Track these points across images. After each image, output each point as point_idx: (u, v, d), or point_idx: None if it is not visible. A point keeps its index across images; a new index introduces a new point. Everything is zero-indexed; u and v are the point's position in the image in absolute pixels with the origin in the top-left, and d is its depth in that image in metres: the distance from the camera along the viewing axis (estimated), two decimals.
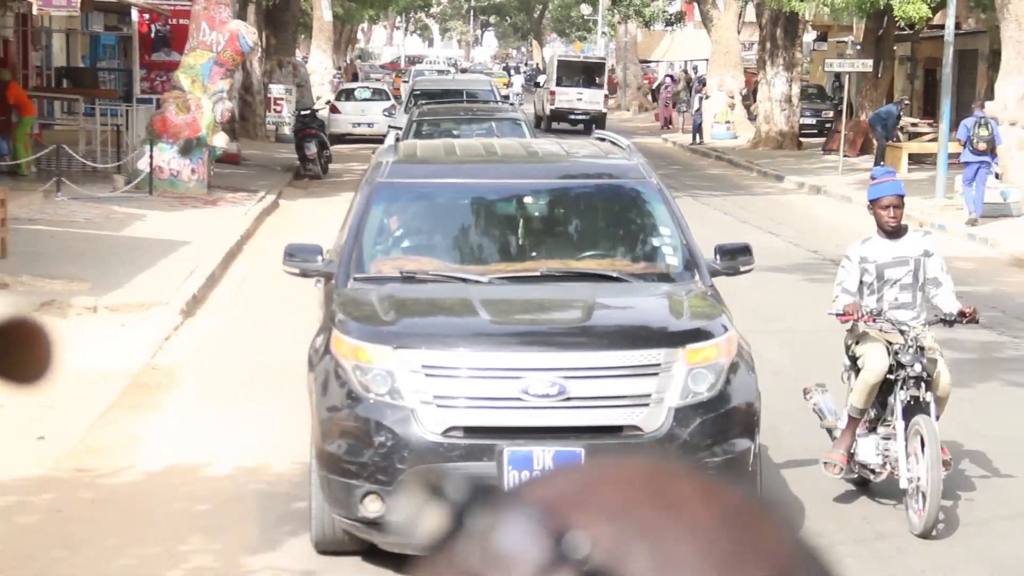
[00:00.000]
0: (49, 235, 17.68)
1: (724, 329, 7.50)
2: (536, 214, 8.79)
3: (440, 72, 61.48)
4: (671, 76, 56.02)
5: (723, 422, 7.27)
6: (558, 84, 47.05)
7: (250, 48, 24.13)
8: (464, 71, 71.87)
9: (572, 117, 45.65)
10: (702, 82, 46.93)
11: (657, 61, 67.39)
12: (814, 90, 44.12)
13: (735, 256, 8.49)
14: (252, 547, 7.64)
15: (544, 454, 7.01)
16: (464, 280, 7.96)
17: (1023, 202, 22.87)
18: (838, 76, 41.70)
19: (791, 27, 38.33)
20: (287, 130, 37.63)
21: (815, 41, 52.32)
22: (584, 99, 46.13)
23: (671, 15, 48.74)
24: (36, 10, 19.12)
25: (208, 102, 23.33)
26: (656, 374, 7.22)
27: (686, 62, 67.04)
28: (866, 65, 31.25)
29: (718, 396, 7.28)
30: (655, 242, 8.64)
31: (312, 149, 28.93)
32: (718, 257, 8.49)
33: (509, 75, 79.95)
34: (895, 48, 37.28)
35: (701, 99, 42.09)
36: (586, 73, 48.07)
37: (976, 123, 21.54)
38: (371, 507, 6.97)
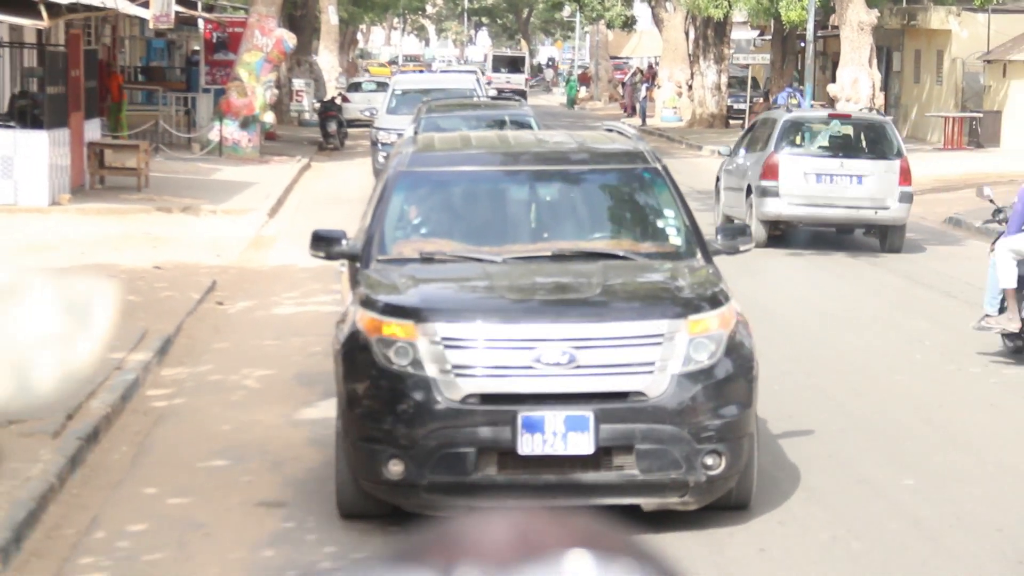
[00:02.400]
0: (164, 178, 26.12)
1: (723, 302, 7.92)
2: (547, 198, 9.11)
3: (423, 71, 66.22)
4: (629, 72, 64.60)
5: (722, 388, 7.66)
6: (493, 71, 67.32)
7: (291, 49, 32.69)
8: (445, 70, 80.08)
9: (504, 94, 58.46)
10: (644, 74, 55.45)
11: (626, 58, 75.90)
12: (741, 80, 52.68)
13: (735, 236, 8.95)
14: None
15: (555, 418, 7.42)
16: (480, 260, 8.39)
17: None
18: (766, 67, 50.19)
19: (719, 27, 46.80)
20: (307, 116, 46.27)
21: (756, 38, 60.74)
22: (511, 81, 65.10)
23: (627, 17, 57.23)
24: (152, 24, 27.47)
25: (260, 89, 31.89)
26: (660, 343, 7.61)
27: (653, 58, 75.55)
28: (764, 58, 39.83)
29: (718, 364, 7.67)
30: (659, 223, 9.01)
31: (333, 127, 37.46)
32: (719, 237, 8.93)
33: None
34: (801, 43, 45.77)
35: (646, 88, 50.66)
36: (512, 63, 70.20)
37: (788, 95, 30.20)
38: (394, 470, 7.42)
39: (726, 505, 7.93)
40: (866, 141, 20.06)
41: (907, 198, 19.38)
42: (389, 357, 7.54)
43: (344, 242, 8.63)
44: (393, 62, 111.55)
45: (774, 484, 8.52)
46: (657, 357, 7.57)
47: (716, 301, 7.89)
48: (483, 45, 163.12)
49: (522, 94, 57.61)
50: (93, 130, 24.43)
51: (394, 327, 7.59)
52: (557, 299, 8.02)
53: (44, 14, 19.44)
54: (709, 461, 7.55)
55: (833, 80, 33.38)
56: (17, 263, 15.49)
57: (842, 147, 20.02)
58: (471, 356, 7.51)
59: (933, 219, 23.40)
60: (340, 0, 66.51)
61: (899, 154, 19.66)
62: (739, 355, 7.79)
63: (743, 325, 8.00)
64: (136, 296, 14.23)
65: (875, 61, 32.31)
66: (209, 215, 21.96)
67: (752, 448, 7.84)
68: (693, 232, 8.72)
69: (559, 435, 7.40)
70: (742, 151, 21.28)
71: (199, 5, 36.16)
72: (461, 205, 9.02)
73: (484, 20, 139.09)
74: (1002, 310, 12.28)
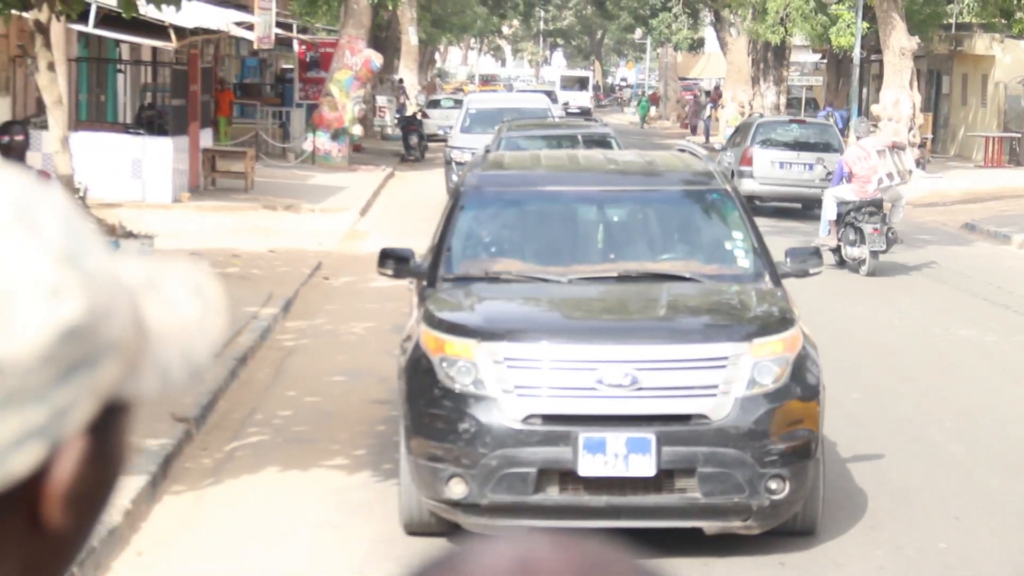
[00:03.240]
0: (265, 182, 29.25)
1: (790, 325, 7.83)
2: (615, 219, 9.06)
3: (497, 91, 65.63)
4: (695, 93, 67.36)
5: (787, 412, 7.55)
6: (562, 90, 72.88)
7: (378, 68, 35.84)
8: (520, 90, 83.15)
9: (568, 110, 63.47)
10: (709, 95, 58.17)
11: (695, 79, 78.64)
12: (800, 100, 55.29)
13: (805, 259, 8.82)
14: None
15: (617, 440, 7.34)
16: (545, 280, 8.38)
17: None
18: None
19: (778, 51, 49.47)
20: (390, 131, 49.47)
21: (818, 61, 63.31)
22: (576, 99, 71.35)
23: (694, 40, 60.04)
24: (256, 45, 30.66)
25: (350, 104, 35.05)
26: (724, 366, 7.52)
27: (720, 79, 78.22)
28: (817, 80, 42.48)
29: (782, 388, 7.57)
30: (727, 245, 8.92)
31: (414, 140, 40.56)
32: (788, 259, 8.79)
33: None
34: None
35: (710, 107, 53.43)
36: (579, 83, 77.79)
37: (825, 115, 32.91)
38: (456, 489, 7.39)
39: (792, 530, 7.88)
40: (817, 139, 26.13)
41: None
42: (452, 376, 7.55)
43: (411, 261, 8.76)
44: (470, 81, 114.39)
45: (839, 508, 8.52)
46: (721, 380, 7.51)
47: (782, 324, 7.84)
48: (558, 66, 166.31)
49: (587, 112, 61.36)
50: (206, 138, 27.65)
51: (457, 346, 7.61)
52: (620, 320, 8.10)
53: (173, 37, 22.58)
54: (773, 485, 7.49)
55: (877, 101, 36.05)
56: (157, 246, 18.59)
57: (799, 144, 26.61)
58: (533, 376, 7.48)
59: (953, 225, 26.03)
60: (420, 21, 69.87)
61: (839, 150, 24.71)
62: (805, 379, 7.71)
63: (810, 348, 7.91)
64: (259, 271, 17.29)
65: (915, 83, 34.96)
66: (308, 213, 25.02)
67: (818, 473, 7.75)
68: (761, 254, 8.67)
69: (620, 457, 7.38)
70: (729, 150, 28.25)
71: (294, 27, 39.43)
72: (528, 224, 9.01)
73: (559, 41, 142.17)
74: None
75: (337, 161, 35.03)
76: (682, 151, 10.46)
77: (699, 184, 9.25)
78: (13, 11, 14.92)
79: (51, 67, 14.72)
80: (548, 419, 7.47)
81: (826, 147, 26.58)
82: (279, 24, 35.72)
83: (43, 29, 14.39)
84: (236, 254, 18.65)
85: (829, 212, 19.35)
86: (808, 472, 7.63)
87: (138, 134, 24.13)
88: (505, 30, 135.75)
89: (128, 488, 8.28)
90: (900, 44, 34.55)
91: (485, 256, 8.83)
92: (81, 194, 16.27)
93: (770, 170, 26.24)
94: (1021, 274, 19.70)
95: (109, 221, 16.17)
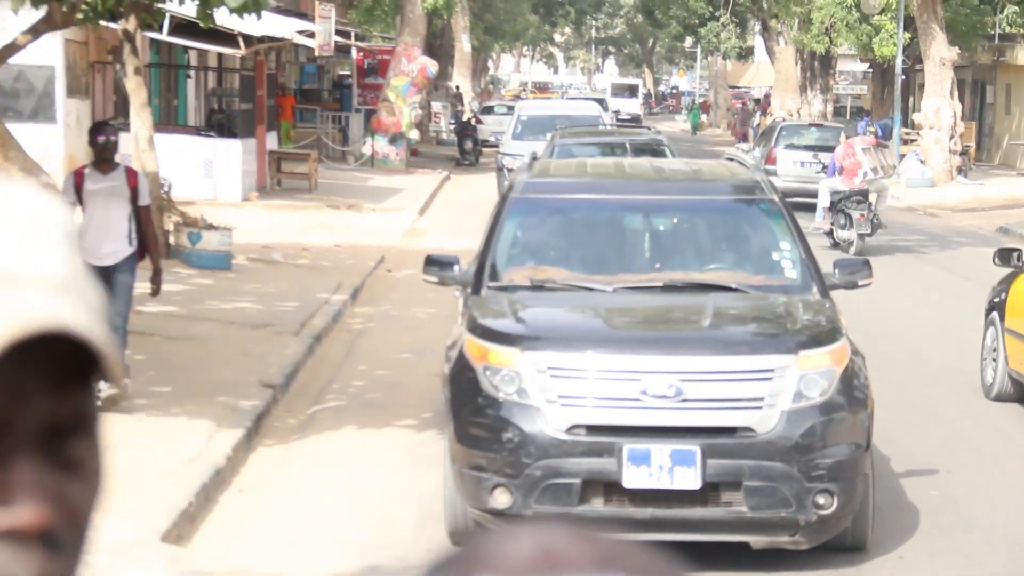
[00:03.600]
0: (327, 183, 30.56)
1: (837, 337, 7.74)
2: (661, 228, 9.02)
3: (549, 99, 65.20)
4: (744, 101, 68.35)
5: (834, 426, 7.45)
6: (612, 96, 72.59)
7: (433, 75, 37.12)
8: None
9: (619, 117, 65.45)
10: (758, 103, 59.19)
11: (745, 87, 79.57)
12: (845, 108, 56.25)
13: (854, 271, 8.73)
14: None
15: (661, 452, 7.28)
16: (590, 289, 8.33)
17: (935, 176, 35.01)
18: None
19: (825, 60, 50.45)
20: (445, 136, 50.79)
21: (866, 70, 64.22)
22: (626, 107, 71.55)
23: (742, 49, 61.08)
24: (317, 52, 32.03)
25: (407, 109, 36.35)
26: (770, 379, 7.43)
27: (769, 87, 79.14)
28: (861, 89, 43.42)
29: (829, 401, 7.47)
30: (775, 256, 8.82)
31: (469, 145, 41.82)
32: (836, 271, 8.72)
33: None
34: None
35: (758, 115, 54.44)
36: (629, 90, 78.99)
37: (866, 123, 33.94)
38: (500, 499, 7.38)
39: (842, 546, 7.75)
40: (833, 142, 27.42)
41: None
42: (495, 385, 7.52)
43: (456, 267, 8.79)
44: (523, 88, 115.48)
45: (894, 524, 8.41)
46: (766, 393, 7.43)
47: (829, 337, 7.76)
48: (610, 73, 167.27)
49: (636, 119, 62.83)
50: (272, 141, 28.99)
51: (500, 355, 7.58)
52: (665, 331, 8.09)
53: (242, 44, 23.90)
54: (820, 500, 7.39)
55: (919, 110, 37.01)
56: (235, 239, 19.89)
57: (816, 145, 29.47)
58: (577, 386, 7.44)
59: (989, 228, 27.00)
60: (474, 28, 71.18)
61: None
62: (852, 392, 7.62)
63: (858, 361, 7.84)
64: (327, 263, 18.57)
65: (955, 93, 35.91)
66: (370, 212, 26.30)
67: (867, 488, 7.63)
68: (809, 265, 8.59)
69: (665, 469, 7.31)
70: (756, 149, 31.44)
71: (352, 35, 40.76)
72: (573, 233, 8.94)
73: (611, 49, 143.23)
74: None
75: (395, 164, 36.32)
76: (730, 160, 10.47)
77: (746, 194, 9.19)
78: (101, 21, 16.23)
79: (138, 72, 16.04)
80: (592, 429, 7.41)
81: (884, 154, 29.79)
82: (338, 32, 37.06)
83: (130, 38, 15.72)
84: (305, 248, 19.92)
85: (823, 200, 22.49)
86: (857, 487, 7.50)
87: (209, 136, 25.48)
88: (557, 38, 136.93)
89: (228, 440, 9.54)
90: (940, 54, 35.54)
91: (530, 264, 8.76)
92: (166, 189, 17.59)
93: (791, 168, 29.23)
94: None
95: (191, 215, 17.47)
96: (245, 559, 7.68)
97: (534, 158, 10.12)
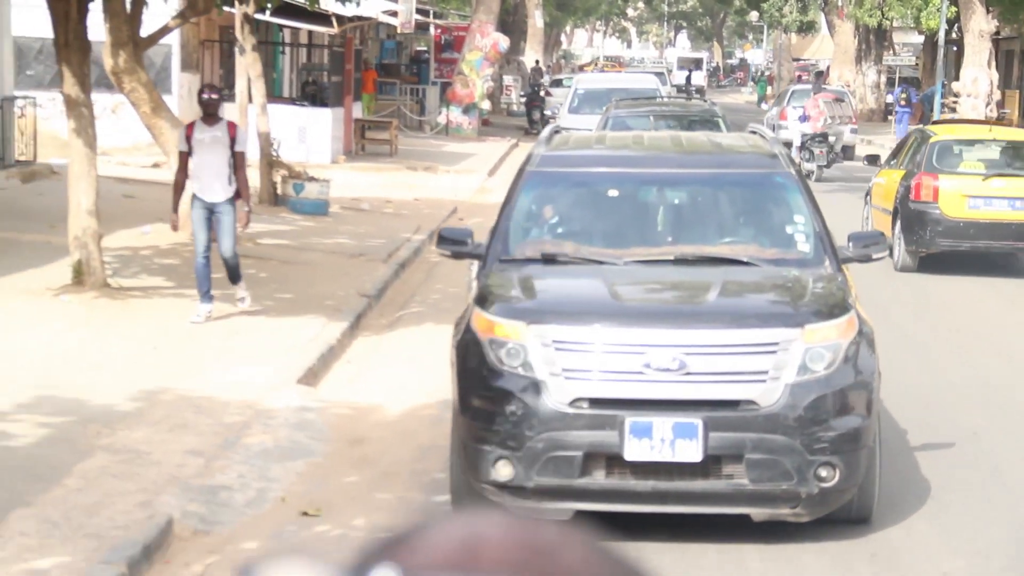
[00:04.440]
0: (406, 148, 33.63)
1: (845, 311, 7.70)
2: (675, 201, 8.95)
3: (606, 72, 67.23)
4: (801, 74, 70.62)
5: (839, 399, 7.43)
6: (678, 70, 78.61)
7: (505, 50, 40.07)
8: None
9: (683, 89, 70.66)
10: (820, 75, 61.57)
11: (808, 59, 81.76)
12: (905, 79, 58.48)
13: (867, 244, 8.67)
14: None
15: (664, 424, 7.29)
16: (600, 263, 8.32)
17: None
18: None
19: (880, 33, 52.79)
20: (515, 107, 53.76)
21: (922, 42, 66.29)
22: (693, 79, 75.14)
23: (803, 22, 63.47)
24: (399, 29, 35.09)
25: (480, 82, 39.35)
26: (774, 352, 7.41)
27: (831, 59, 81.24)
28: (910, 60, 45.84)
29: (835, 374, 7.44)
30: (788, 229, 8.76)
31: (537, 115, 44.79)
32: (850, 244, 8.66)
33: (690, 71, 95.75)
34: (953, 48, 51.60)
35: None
36: (694, 64, 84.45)
37: (902, 90, 36.51)
38: (502, 471, 7.41)
39: (846, 518, 7.74)
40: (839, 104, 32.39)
41: (853, 131, 35.66)
42: (501, 358, 7.52)
43: (469, 241, 8.70)
44: (597, 62, 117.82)
45: (901, 498, 8.34)
46: (770, 366, 7.41)
47: (837, 310, 7.73)
48: (682, 47, 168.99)
49: (700, 91, 65.97)
50: (357, 110, 32.10)
51: (506, 328, 7.56)
52: (670, 304, 8.08)
53: (335, 24, 26.99)
54: (823, 473, 7.38)
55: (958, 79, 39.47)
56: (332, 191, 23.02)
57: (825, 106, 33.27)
58: (581, 359, 7.42)
59: None
60: (545, 5, 73.90)
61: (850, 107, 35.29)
62: (858, 366, 7.58)
63: (867, 335, 7.78)
64: (407, 212, 21.65)
65: (993, 63, 38.36)
66: (444, 173, 29.34)
67: (873, 461, 7.63)
68: (823, 238, 8.55)
69: (667, 442, 7.32)
70: (772, 108, 38.45)
71: (431, 13, 43.84)
72: (587, 206, 8.93)
73: (683, 23, 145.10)
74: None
75: (468, 132, 39.34)
76: (753, 132, 10.43)
77: (762, 167, 9.15)
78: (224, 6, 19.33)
79: (254, 48, 19.13)
80: (595, 403, 7.41)
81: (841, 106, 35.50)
82: (418, 10, 40.09)
83: (249, 20, 18.80)
84: (388, 200, 22.99)
85: (796, 140, 29.88)
86: (861, 460, 7.48)
87: (302, 106, 28.61)
88: (631, 12, 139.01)
89: (337, 329, 12.58)
90: (979, 27, 37.94)
91: (542, 237, 8.75)
92: (276, 148, 20.71)
93: (796, 124, 33.72)
94: None
95: (296, 169, 20.58)
96: (353, 398, 10.73)
97: (555, 131, 10.04)
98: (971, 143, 18.67)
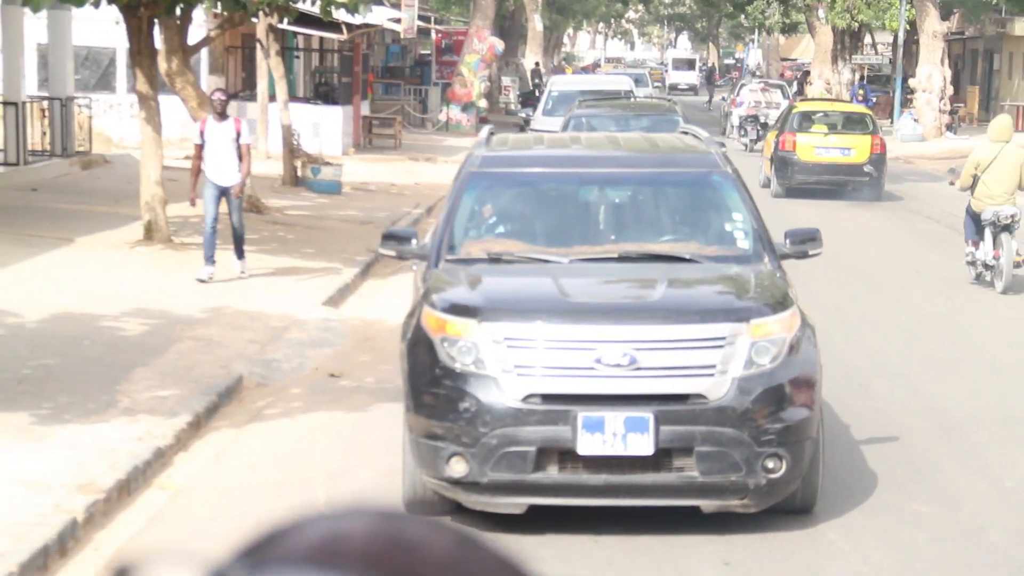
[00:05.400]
0: (409, 143, 37.15)
1: (788, 306, 7.87)
2: (616, 201, 9.12)
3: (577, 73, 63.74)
4: (783, 72, 74.18)
5: (784, 392, 7.58)
6: (673, 70, 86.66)
7: (500, 53, 43.66)
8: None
9: (679, 88, 77.69)
10: (807, 74, 65.32)
11: (795, 59, 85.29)
12: (878, 76, 62.02)
13: (804, 241, 8.93)
14: None
15: (615, 419, 7.40)
16: (546, 261, 8.44)
17: (925, 132, 40.98)
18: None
19: (855, 34, 56.27)
20: (513, 106, 57.33)
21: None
22: (685, 78, 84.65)
23: (785, 24, 66.99)
24: (403, 35, 38.59)
25: (477, 82, 42.92)
26: (721, 346, 7.56)
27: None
28: (879, 58, 49.35)
29: (780, 368, 7.60)
30: (728, 227, 8.99)
31: (531, 113, 48.36)
32: (788, 241, 8.90)
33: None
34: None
35: (796, 85, 60.44)
36: (687, 64, 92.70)
37: (858, 87, 40.01)
38: (456, 468, 7.48)
39: (790, 509, 7.89)
40: (776, 88, 39.84)
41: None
42: (452, 356, 7.59)
43: (413, 241, 8.82)
44: (597, 64, 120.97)
45: (846, 489, 8.47)
46: (718, 360, 7.54)
47: (780, 305, 7.87)
48: (683, 48, 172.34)
49: (693, 88, 69.88)
50: (364, 108, 35.65)
51: (457, 326, 7.63)
52: (619, 301, 8.12)
53: (344, 31, 30.53)
54: (770, 464, 7.50)
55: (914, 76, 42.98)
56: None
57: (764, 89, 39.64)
58: (532, 356, 7.50)
59: (942, 170, 33.06)
60: (544, 9, 77.28)
61: (786, 96, 41.39)
62: (802, 359, 7.75)
63: (808, 330, 7.96)
64: (409, 193, 25.20)
65: (946, 61, 41.97)
66: (443, 163, 32.84)
67: (816, 452, 7.77)
68: (761, 236, 8.73)
69: (619, 436, 7.42)
70: (725, 97, 44.55)
71: (432, 19, 47.42)
72: (529, 206, 9.04)
73: (682, 25, 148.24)
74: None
75: (466, 129, 42.88)
76: (685, 132, 10.81)
77: (700, 166, 9.36)
78: (253, 18, 22.88)
79: (278, 53, 22.67)
80: (547, 398, 7.49)
81: (781, 91, 42.74)
82: (420, 17, 43.66)
83: (274, 29, 22.34)
84: (392, 184, 26.54)
85: (734, 120, 40.59)
86: (805, 451, 7.64)
87: (316, 104, 32.16)
88: (632, 15, 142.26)
89: (351, 272, 16.09)
90: (933, 28, 41.52)
91: (487, 237, 8.85)
92: (296, 139, 24.27)
93: (748, 102, 41.24)
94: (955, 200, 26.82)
95: (313, 155, 24.14)
96: (364, 315, 14.25)
97: (491, 133, 10.16)
98: (819, 112, 27.91)
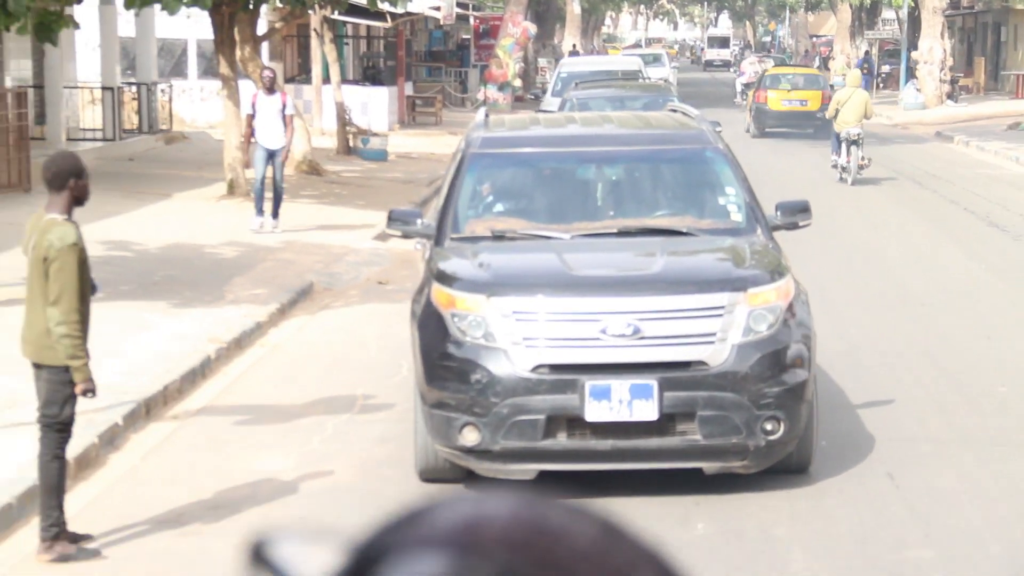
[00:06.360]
0: (449, 120, 40.86)
1: (782, 275, 8.18)
2: (613, 178, 9.36)
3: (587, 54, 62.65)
4: (807, 48, 77.48)
5: (780, 357, 7.87)
6: (708, 47, 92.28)
7: (533, 36, 47.40)
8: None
9: (714, 64, 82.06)
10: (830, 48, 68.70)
11: (824, 35, 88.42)
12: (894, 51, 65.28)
13: (794, 213, 9.21)
14: None
15: (621, 386, 7.67)
16: (548, 237, 8.67)
17: (926, 101, 44.34)
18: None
19: (871, 9, 59.55)
20: (549, 86, 60.92)
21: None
22: (720, 55, 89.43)
23: (810, 2, 70.36)
24: (442, 21, 42.30)
25: (512, 63, 46.64)
26: (720, 315, 7.85)
27: None
28: (889, 32, 52.67)
29: (776, 334, 7.90)
30: (721, 201, 9.27)
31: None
32: (779, 213, 9.16)
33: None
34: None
35: (818, 59, 63.84)
36: (720, 41, 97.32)
37: (862, 61, 43.40)
38: (469, 437, 7.77)
39: (787, 469, 8.15)
40: (773, 61, 43.90)
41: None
42: (463, 330, 7.88)
43: (419, 221, 9.10)
44: (637, 45, 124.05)
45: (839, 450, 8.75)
46: (718, 328, 7.82)
47: (775, 274, 8.14)
48: (724, 27, 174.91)
49: (727, 64, 73.92)
50: (409, 89, 39.44)
51: (467, 301, 7.92)
52: (622, 273, 8.31)
53: (388, 19, 34.30)
54: (768, 426, 7.79)
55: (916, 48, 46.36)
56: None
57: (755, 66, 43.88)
58: (540, 328, 7.77)
59: (927, 132, 36.58)
60: None
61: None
62: (797, 326, 8.03)
63: (801, 297, 8.25)
64: (447, 160, 28.94)
65: (946, 34, 45.28)
66: None
67: (811, 414, 8.04)
68: (754, 209, 8.97)
69: (625, 402, 7.69)
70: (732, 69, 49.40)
71: (470, 6, 51.18)
72: (530, 185, 9.27)
73: (724, 4, 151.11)
74: None
75: (502, 106, 46.52)
76: (674, 111, 11.20)
77: (693, 143, 9.63)
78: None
79: (332, 40, 26.45)
80: (556, 368, 7.73)
81: (774, 62, 48.92)
82: (459, 4, 47.43)
83: (328, 19, 26.11)
84: (432, 153, 30.31)
85: (738, 88, 50.17)
86: (802, 413, 7.92)
87: (365, 85, 35.96)
88: None
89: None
90: (933, 4, 44.87)
91: (489, 216, 9.08)
92: (348, 115, 28.07)
93: (749, 72, 46.13)
94: (938, 158, 30.33)
95: (364, 128, 27.93)
96: (406, 247, 18.01)
97: (487, 115, 10.39)
98: (785, 74, 37.78)
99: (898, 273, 15.65)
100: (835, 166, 25.19)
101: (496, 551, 0.89)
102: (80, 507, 7.82)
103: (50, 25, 11.73)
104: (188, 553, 7.34)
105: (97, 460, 8.80)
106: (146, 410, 9.85)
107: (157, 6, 17.75)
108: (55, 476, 7.16)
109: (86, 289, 7.10)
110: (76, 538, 7.26)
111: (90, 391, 7.10)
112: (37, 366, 7.18)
